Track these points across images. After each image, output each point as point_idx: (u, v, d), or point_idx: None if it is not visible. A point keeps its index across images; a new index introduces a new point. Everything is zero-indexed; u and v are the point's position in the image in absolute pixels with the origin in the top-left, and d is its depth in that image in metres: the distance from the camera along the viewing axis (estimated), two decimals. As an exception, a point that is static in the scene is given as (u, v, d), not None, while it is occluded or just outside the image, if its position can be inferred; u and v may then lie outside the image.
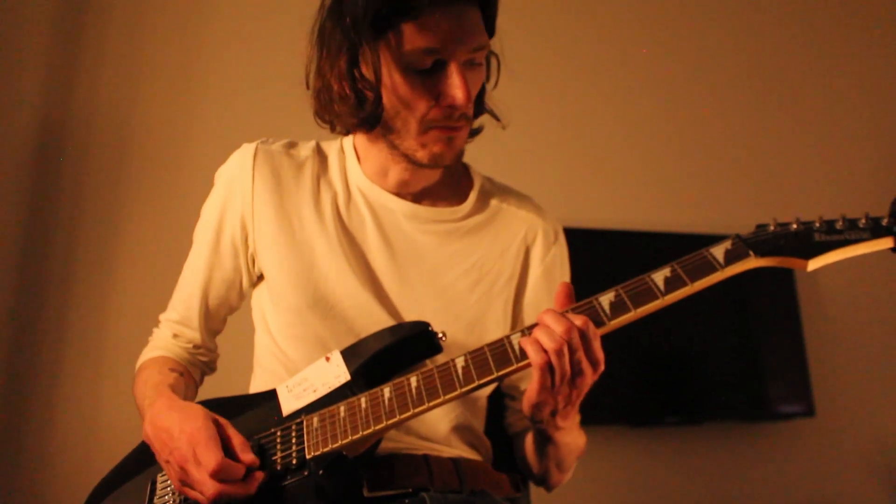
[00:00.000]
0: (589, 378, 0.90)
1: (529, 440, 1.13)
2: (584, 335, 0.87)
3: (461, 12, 0.98)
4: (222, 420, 0.96)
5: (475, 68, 1.04)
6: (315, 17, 1.07)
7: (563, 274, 1.23)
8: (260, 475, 0.92)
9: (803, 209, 2.89)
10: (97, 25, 2.33)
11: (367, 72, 1.01)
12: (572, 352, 0.87)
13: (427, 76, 1.00)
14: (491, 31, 1.06)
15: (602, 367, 0.90)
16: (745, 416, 2.51)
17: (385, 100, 1.02)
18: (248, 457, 0.92)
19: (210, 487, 0.89)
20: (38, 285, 2.14)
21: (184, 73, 2.37)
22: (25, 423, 2.06)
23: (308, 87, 1.10)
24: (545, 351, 0.87)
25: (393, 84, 1.00)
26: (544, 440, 1.05)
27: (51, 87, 2.25)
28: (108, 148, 2.27)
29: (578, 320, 0.87)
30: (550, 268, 1.20)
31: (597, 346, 0.88)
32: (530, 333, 0.90)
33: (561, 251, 1.23)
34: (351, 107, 1.04)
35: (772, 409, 2.52)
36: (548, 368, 0.87)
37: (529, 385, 0.91)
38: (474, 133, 1.14)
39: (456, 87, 0.98)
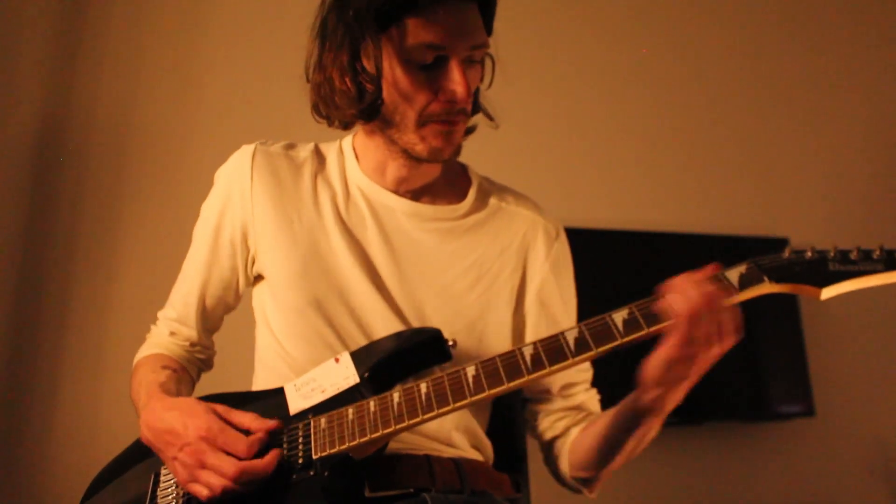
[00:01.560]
0: (716, 349, 0.89)
1: (592, 432, 1.09)
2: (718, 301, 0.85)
3: (463, 10, 1.01)
4: (220, 407, 0.97)
5: (473, 66, 1.05)
6: (317, 12, 1.09)
7: (568, 269, 1.23)
8: (276, 451, 0.92)
9: (803, 209, 2.89)
10: (97, 25, 2.32)
11: (368, 65, 1.02)
12: (715, 311, 0.85)
13: (427, 71, 1.01)
14: (489, 30, 1.08)
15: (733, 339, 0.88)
16: (745, 416, 2.51)
17: (385, 93, 1.03)
18: (266, 423, 0.94)
19: (231, 467, 0.89)
20: (38, 285, 2.13)
21: (184, 73, 2.36)
22: (25, 423, 2.06)
23: (308, 81, 1.11)
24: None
25: (394, 78, 1.02)
26: (631, 424, 1.01)
27: (51, 87, 2.24)
28: (108, 148, 2.26)
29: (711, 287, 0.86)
30: (556, 262, 1.20)
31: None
32: (540, 347, 0.91)
33: (563, 247, 1.23)
34: (351, 99, 1.05)
35: (772, 409, 2.52)
36: (695, 320, 0.85)
37: (663, 346, 0.88)
38: (468, 132, 1.14)
39: (456, 83, 1.00)
